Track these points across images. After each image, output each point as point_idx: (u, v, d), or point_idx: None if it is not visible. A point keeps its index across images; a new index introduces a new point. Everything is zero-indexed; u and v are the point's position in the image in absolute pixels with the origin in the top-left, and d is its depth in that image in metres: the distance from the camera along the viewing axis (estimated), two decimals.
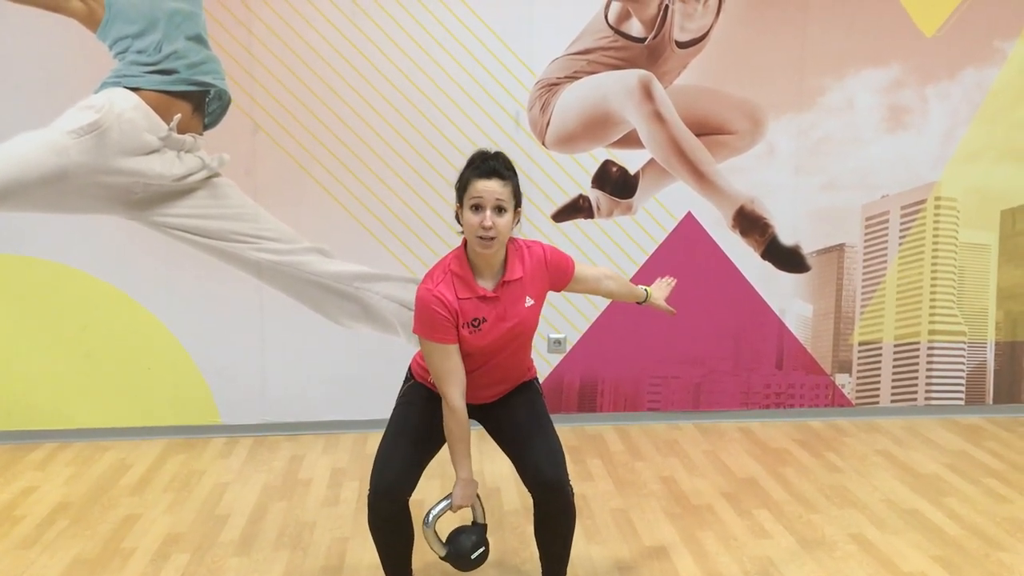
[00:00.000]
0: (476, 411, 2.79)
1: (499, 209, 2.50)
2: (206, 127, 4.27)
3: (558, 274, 2.77)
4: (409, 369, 2.92)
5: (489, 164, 2.53)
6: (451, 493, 2.68)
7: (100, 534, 3.42)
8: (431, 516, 2.64)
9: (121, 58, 4.16)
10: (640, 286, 3.10)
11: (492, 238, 2.50)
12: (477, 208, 2.50)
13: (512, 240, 2.66)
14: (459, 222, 2.60)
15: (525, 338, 2.75)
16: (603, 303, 4.57)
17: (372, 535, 2.71)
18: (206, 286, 4.37)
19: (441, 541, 2.67)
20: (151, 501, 3.73)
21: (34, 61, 4.15)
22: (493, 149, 2.61)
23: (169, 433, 4.48)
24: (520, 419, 2.76)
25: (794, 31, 4.44)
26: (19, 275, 4.29)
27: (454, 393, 2.59)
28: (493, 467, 4.00)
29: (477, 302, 2.59)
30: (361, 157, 4.35)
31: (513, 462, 2.74)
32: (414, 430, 2.71)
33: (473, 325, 2.59)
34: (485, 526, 2.75)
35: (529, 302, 2.66)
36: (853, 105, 4.54)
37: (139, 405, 4.44)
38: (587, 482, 3.89)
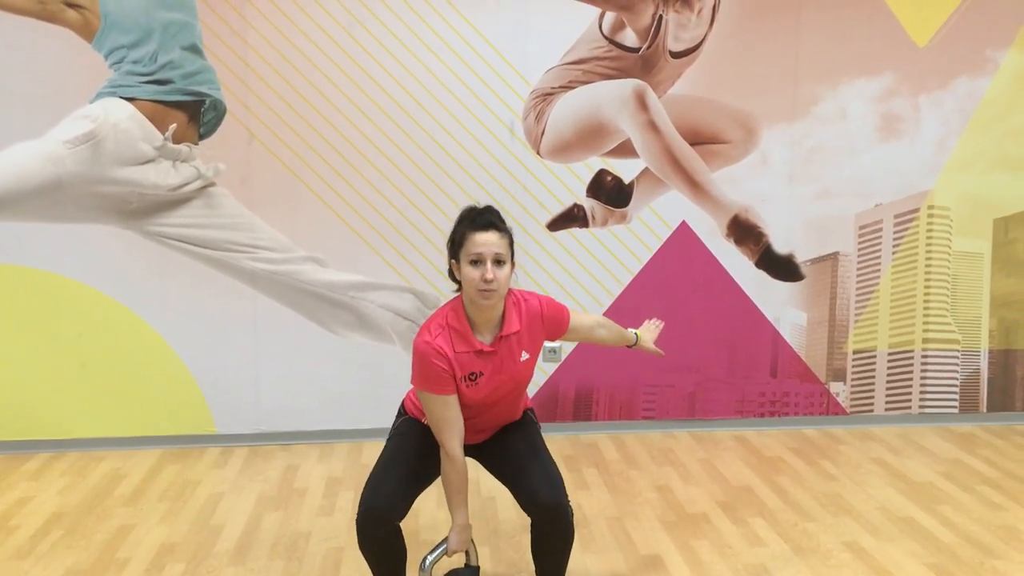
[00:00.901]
0: (471, 449, 2.80)
1: (498, 262, 2.52)
2: (201, 137, 4.28)
3: (553, 326, 2.79)
4: (402, 405, 2.92)
5: (485, 218, 2.55)
6: (447, 538, 2.71)
7: (95, 544, 3.41)
8: (427, 562, 2.69)
9: (117, 68, 4.17)
10: (629, 330, 3.15)
11: (493, 291, 2.52)
12: (476, 263, 2.51)
13: (509, 292, 2.66)
14: (453, 278, 2.63)
15: (520, 390, 2.79)
16: (596, 311, 4.57)
17: (363, 555, 2.69)
18: (201, 295, 4.37)
19: None
20: (146, 511, 3.72)
21: (29, 71, 4.15)
22: (482, 204, 2.64)
23: (164, 443, 4.47)
24: (515, 447, 2.76)
25: (787, 41, 4.46)
26: (14, 285, 4.28)
27: (453, 443, 2.61)
28: (488, 478, 3.99)
29: (474, 356, 2.60)
30: (356, 166, 4.36)
31: (510, 489, 2.73)
32: (407, 461, 2.71)
33: (470, 379, 2.61)
34: (478, 568, 2.83)
35: (525, 356, 2.68)
36: (846, 114, 4.56)
37: (134, 415, 4.44)
38: (582, 491, 3.89)
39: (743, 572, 3.17)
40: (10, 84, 4.15)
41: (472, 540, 2.79)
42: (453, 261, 2.60)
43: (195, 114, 4.25)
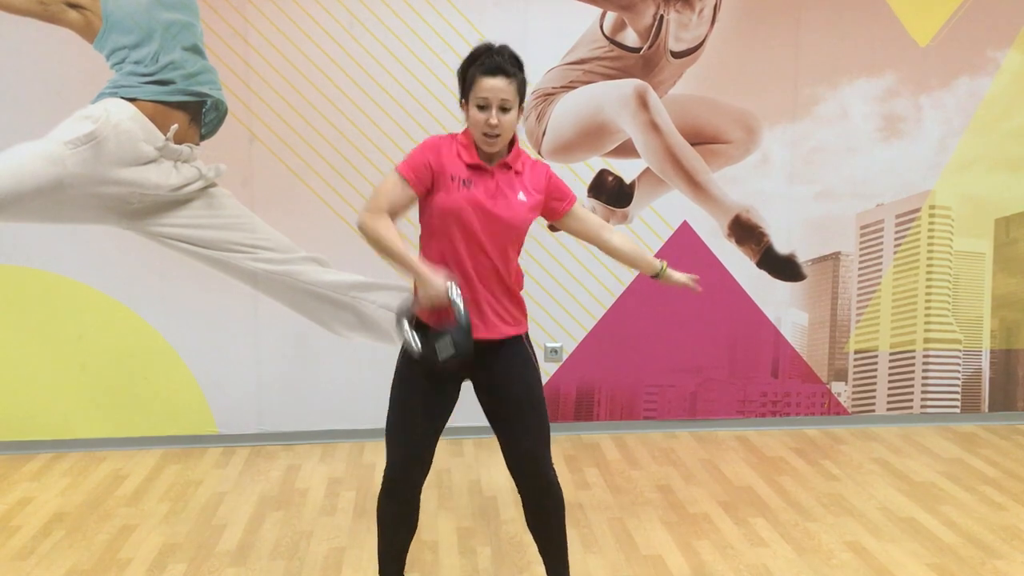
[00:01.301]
0: (472, 370, 2.67)
1: (504, 109, 2.50)
2: (203, 137, 4.28)
3: (556, 194, 2.69)
4: (406, 316, 2.71)
5: (495, 60, 2.50)
6: (415, 298, 2.60)
7: (96, 545, 3.42)
8: (402, 311, 2.57)
9: (118, 68, 4.17)
10: (657, 259, 2.91)
11: (497, 135, 2.52)
12: (482, 107, 2.50)
13: (520, 150, 2.64)
14: (465, 113, 2.58)
15: (513, 237, 2.62)
16: (598, 311, 4.57)
17: (379, 523, 2.68)
18: (202, 296, 4.37)
19: (414, 337, 2.54)
20: (147, 511, 3.72)
21: (31, 71, 4.16)
22: (498, 43, 2.56)
23: (165, 443, 4.47)
24: (514, 396, 2.68)
25: (788, 41, 4.46)
26: (15, 285, 4.29)
27: (378, 212, 2.53)
28: (490, 478, 4.00)
29: (472, 170, 2.56)
30: (357, 166, 4.36)
31: (500, 444, 2.71)
32: (422, 407, 2.64)
33: (464, 184, 2.55)
34: (468, 327, 2.53)
35: (522, 197, 2.60)
36: (847, 114, 4.56)
37: (135, 415, 4.44)
38: (584, 490, 3.89)
39: (744, 572, 3.17)
40: (11, 85, 4.15)
41: (459, 294, 2.53)
42: (462, 99, 2.58)
43: (196, 114, 4.25)
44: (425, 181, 2.56)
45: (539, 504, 2.72)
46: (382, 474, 2.67)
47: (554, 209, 2.71)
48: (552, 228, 4.30)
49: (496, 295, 2.64)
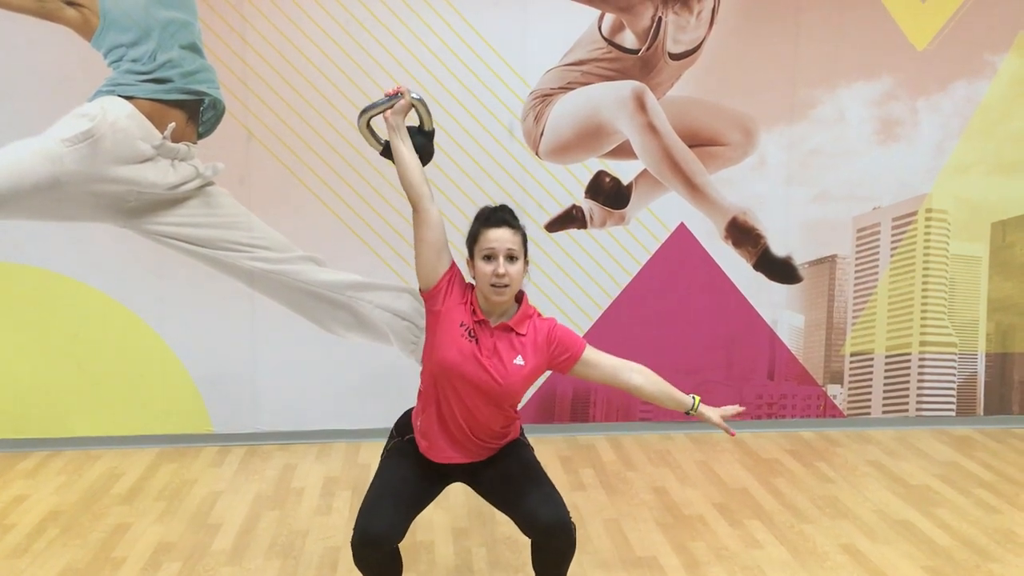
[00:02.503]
0: (465, 474, 2.75)
1: (511, 258, 2.56)
2: (200, 136, 4.27)
3: (559, 350, 2.66)
4: (397, 423, 2.86)
5: (498, 215, 2.62)
6: (392, 97, 2.68)
7: (91, 543, 3.41)
8: (365, 111, 2.64)
9: (115, 67, 4.16)
10: (688, 395, 2.79)
11: (505, 286, 2.56)
12: (489, 258, 2.57)
13: (526, 304, 2.68)
14: (471, 275, 2.66)
15: (504, 401, 2.64)
16: (595, 313, 4.58)
17: (359, 570, 2.64)
18: (199, 294, 4.37)
19: (375, 136, 2.64)
20: (142, 510, 3.72)
21: (28, 69, 4.15)
22: (497, 203, 2.69)
23: (161, 442, 4.46)
24: (509, 472, 2.70)
25: (786, 43, 4.47)
26: (11, 283, 4.28)
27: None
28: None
29: (476, 324, 2.62)
30: (355, 166, 4.36)
31: (510, 515, 2.68)
32: (404, 484, 2.66)
33: (466, 332, 2.60)
34: (432, 132, 2.70)
35: (520, 361, 2.62)
36: (844, 117, 4.57)
37: (131, 414, 4.43)
38: (579, 492, 3.90)
39: (740, 574, 3.17)
40: (9, 82, 4.15)
41: (423, 101, 2.71)
42: (468, 258, 2.65)
43: (194, 113, 4.25)
44: (442, 287, 2.63)
45: (558, 554, 2.66)
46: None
47: (560, 364, 2.70)
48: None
49: (485, 439, 2.71)
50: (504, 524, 3.53)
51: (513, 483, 2.68)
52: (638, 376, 2.76)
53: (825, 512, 3.70)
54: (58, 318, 4.33)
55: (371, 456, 4.31)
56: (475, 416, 2.65)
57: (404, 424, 2.84)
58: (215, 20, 4.20)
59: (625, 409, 4.68)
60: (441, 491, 2.80)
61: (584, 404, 4.66)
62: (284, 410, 4.51)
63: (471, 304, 2.63)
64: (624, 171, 4.50)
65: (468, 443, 2.69)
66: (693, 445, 4.51)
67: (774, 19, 4.44)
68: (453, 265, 2.67)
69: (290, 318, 4.43)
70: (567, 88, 4.41)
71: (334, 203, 4.38)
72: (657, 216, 4.55)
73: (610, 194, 4.51)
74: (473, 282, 2.67)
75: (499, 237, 2.57)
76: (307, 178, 4.36)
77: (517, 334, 2.64)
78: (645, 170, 4.50)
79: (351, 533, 2.56)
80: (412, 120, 2.74)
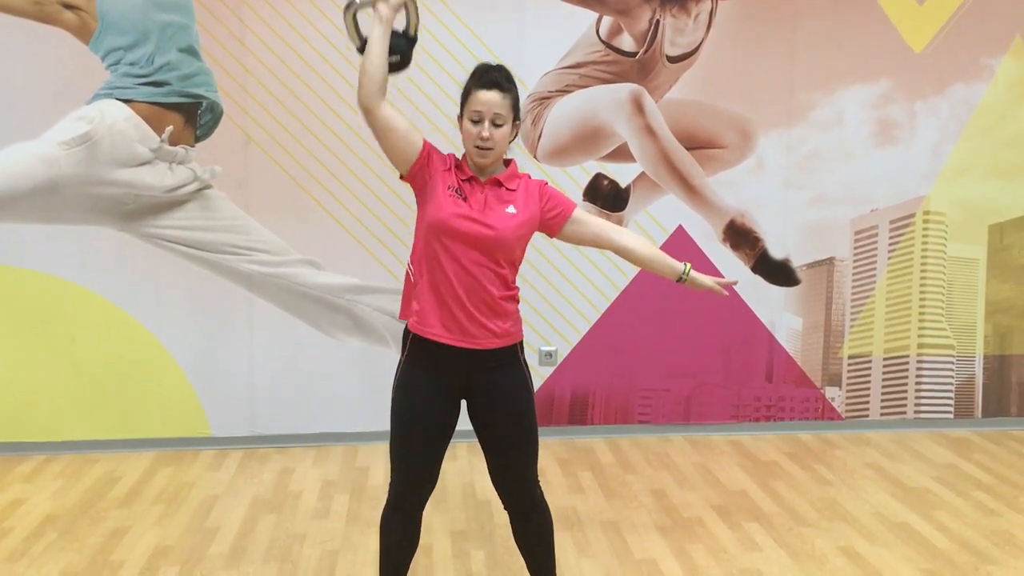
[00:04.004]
0: (466, 383, 2.64)
1: (496, 124, 2.54)
2: (198, 139, 4.27)
3: (551, 205, 2.64)
4: (406, 328, 2.71)
5: (491, 75, 2.57)
6: None
7: (88, 547, 3.40)
8: (352, 3, 2.56)
9: (113, 70, 4.16)
10: (680, 262, 2.78)
11: (489, 149, 2.54)
12: (476, 121, 2.55)
13: (514, 167, 2.66)
14: (461, 131, 2.61)
15: (499, 252, 2.57)
16: (593, 315, 4.57)
17: (381, 538, 2.67)
18: (197, 298, 4.37)
19: (359, 32, 2.58)
20: (140, 514, 3.71)
21: (26, 72, 4.15)
22: (496, 62, 2.64)
23: (158, 445, 4.46)
24: (502, 423, 2.66)
25: (784, 46, 4.47)
26: (9, 286, 4.27)
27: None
28: (484, 481, 3.99)
29: (465, 183, 2.59)
30: (353, 169, 4.36)
31: (485, 455, 2.72)
32: (425, 419, 2.61)
33: (455, 192, 2.56)
34: (414, 40, 2.64)
35: (512, 209, 2.58)
36: (842, 120, 4.57)
37: (128, 417, 4.42)
38: (578, 495, 3.89)
39: None
40: (6, 85, 4.14)
41: (415, 6, 2.63)
42: (459, 116, 2.62)
43: (192, 116, 4.24)
44: (424, 155, 2.60)
45: (526, 522, 2.73)
46: (388, 485, 2.65)
47: (551, 220, 2.66)
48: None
49: (482, 311, 2.58)
50: (503, 527, 3.53)
51: (504, 434, 2.66)
52: (629, 238, 2.74)
53: (823, 514, 3.70)
54: (56, 321, 4.32)
55: (369, 460, 4.31)
56: (472, 275, 2.55)
57: (405, 332, 2.70)
58: (213, 23, 4.20)
59: (624, 412, 4.68)
60: (456, 415, 2.67)
61: (582, 406, 4.66)
62: (282, 413, 4.51)
63: (456, 167, 2.61)
64: (622, 174, 4.50)
65: (466, 318, 2.58)
66: (691, 447, 4.51)
67: (772, 22, 4.45)
68: (425, 142, 2.63)
69: (288, 321, 4.43)
70: (565, 91, 4.41)
71: (332, 206, 4.38)
72: (655, 218, 4.55)
73: (608, 196, 4.52)
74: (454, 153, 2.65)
75: (488, 100, 2.54)
76: (305, 181, 4.36)
77: (507, 189, 2.61)
78: (643, 173, 4.50)
79: (388, 490, 2.62)
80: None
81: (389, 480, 2.64)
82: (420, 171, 2.60)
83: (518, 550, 2.79)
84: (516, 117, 2.60)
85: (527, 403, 2.72)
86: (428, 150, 2.62)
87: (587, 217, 2.71)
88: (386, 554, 2.71)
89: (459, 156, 2.66)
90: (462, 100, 2.61)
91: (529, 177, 2.69)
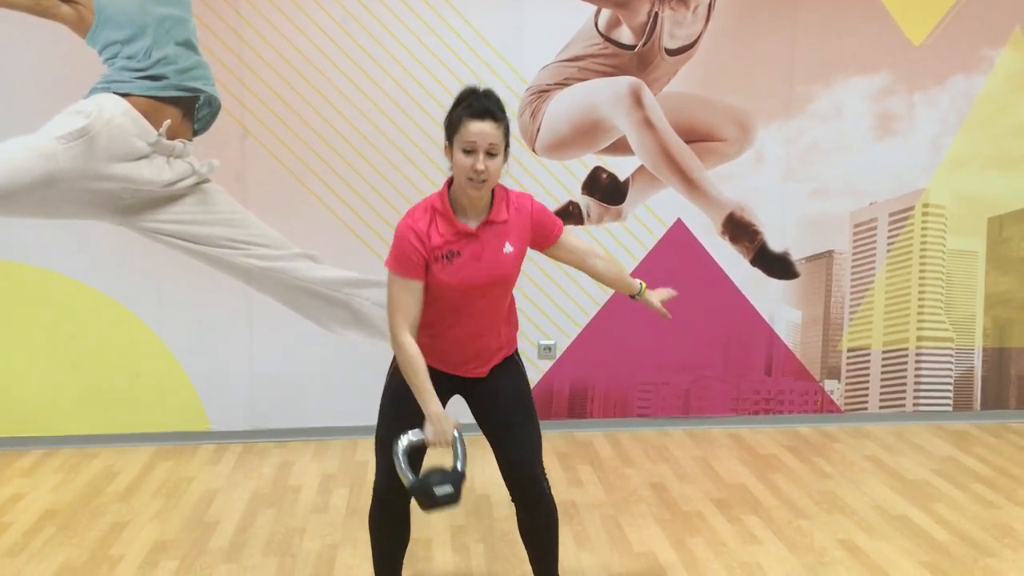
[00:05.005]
0: (461, 386, 2.70)
1: (491, 153, 2.46)
2: (196, 133, 4.26)
3: (542, 231, 2.67)
4: (404, 442, 2.78)
5: (482, 104, 2.46)
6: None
7: (88, 541, 3.41)
8: (400, 443, 2.51)
9: (111, 63, 4.15)
10: (636, 280, 2.93)
11: (483, 181, 2.46)
12: (469, 151, 2.45)
13: (501, 187, 2.61)
14: (448, 159, 2.54)
15: (502, 289, 2.62)
16: (592, 309, 4.57)
17: (371, 533, 2.70)
18: (195, 292, 4.36)
19: (410, 469, 2.52)
20: (139, 508, 3.72)
21: (23, 66, 4.14)
22: (483, 87, 2.54)
23: (157, 440, 4.46)
24: (503, 407, 2.69)
25: (783, 38, 4.46)
26: (7, 281, 4.27)
27: (402, 327, 2.51)
28: (483, 475, 3.99)
29: (454, 238, 2.52)
30: (351, 163, 4.35)
31: (492, 448, 2.73)
32: (415, 416, 2.60)
33: (446, 258, 2.51)
34: (463, 474, 2.55)
35: (508, 248, 2.57)
36: (842, 112, 4.56)
37: (127, 411, 4.42)
38: (577, 488, 3.89)
39: (737, 570, 3.17)
40: (4, 79, 4.13)
41: (462, 440, 2.54)
42: (447, 143, 2.53)
43: (189, 110, 4.24)
44: (420, 268, 2.52)
45: (532, 514, 2.73)
46: (372, 485, 2.67)
47: (539, 244, 2.71)
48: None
49: (489, 337, 2.66)
50: (502, 520, 3.53)
51: (505, 419, 2.68)
52: (601, 262, 2.85)
53: (823, 507, 3.70)
54: (54, 316, 4.32)
55: (368, 453, 4.30)
56: (476, 320, 2.60)
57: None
58: (210, 16, 4.19)
59: (623, 405, 4.68)
60: (444, 403, 2.66)
61: (581, 400, 4.66)
62: (281, 407, 4.51)
63: (437, 220, 2.51)
64: (621, 167, 4.50)
65: (464, 352, 2.64)
66: (691, 441, 4.51)
67: (770, 14, 4.44)
68: (415, 265, 2.51)
69: (287, 315, 4.43)
70: (563, 84, 4.40)
71: (330, 200, 4.37)
72: (654, 212, 4.55)
73: (607, 190, 4.51)
74: (430, 197, 2.58)
75: (481, 131, 2.43)
76: (303, 175, 4.35)
77: (500, 223, 2.57)
78: (642, 166, 4.50)
79: (373, 491, 2.63)
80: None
81: (374, 480, 2.65)
82: (422, 267, 2.53)
83: (520, 543, 2.81)
84: (507, 145, 2.53)
85: (526, 388, 2.76)
86: (410, 261, 2.50)
87: (570, 242, 2.77)
88: (378, 550, 2.73)
89: (434, 201, 2.54)
90: (450, 128, 2.49)
91: (513, 196, 2.63)
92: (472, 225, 2.54)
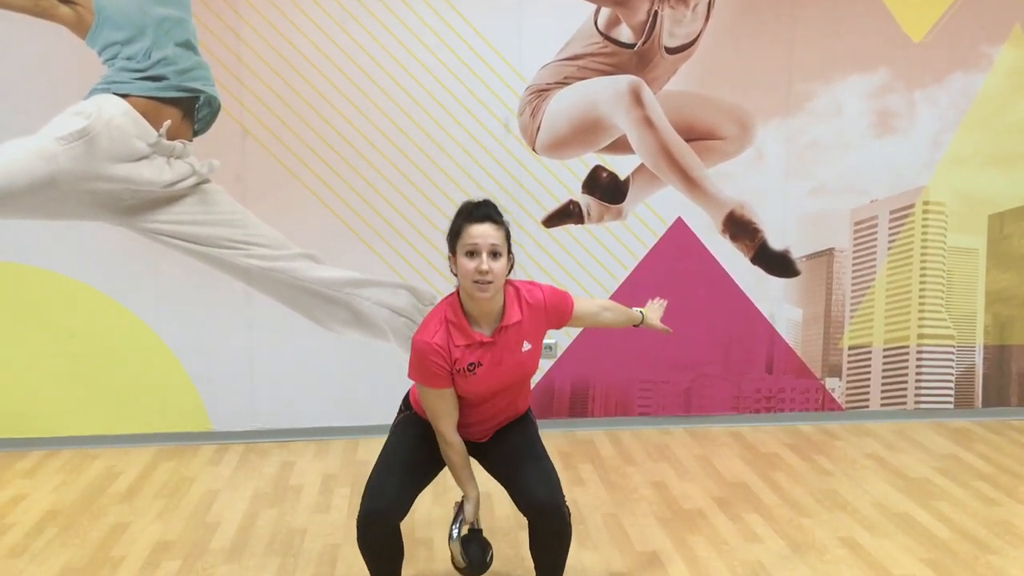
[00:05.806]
0: (470, 447, 2.78)
1: (495, 254, 2.51)
2: (196, 133, 4.26)
3: (556, 316, 2.77)
4: (406, 398, 2.91)
5: (482, 210, 2.56)
6: (462, 507, 2.76)
7: (90, 542, 3.41)
8: (455, 533, 2.73)
9: (110, 64, 4.15)
10: (635, 309, 3.13)
11: (489, 283, 2.50)
12: (472, 254, 2.50)
13: (508, 283, 2.65)
14: (453, 272, 2.62)
15: (523, 381, 2.77)
16: None
17: (361, 553, 2.69)
18: (196, 292, 4.36)
19: (464, 555, 2.74)
20: (141, 509, 3.72)
21: (23, 67, 4.14)
22: (480, 198, 2.65)
23: (159, 440, 4.46)
24: (513, 447, 2.76)
25: (782, 36, 4.46)
26: (7, 282, 4.27)
27: (448, 429, 2.66)
28: (482, 474, 3.99)
29: (473, 348, 2.59)
30: (351, 163, 4.35)
31: (506, 488, 2.74)
32: (407, 461, 2.71)
33: (468, 370, 2.59)
34: (481, 530, 2.85)
35: (527, 347, 2.66)
36: (841, 110, 4.56)
37: (128, 412, 4.43)
38: (578, 487, 3.89)
39: (739, 568, 3.17)
40: (3, 81, 4.13)
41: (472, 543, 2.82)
42: (451, 254, 2.60)
43: (189, 110, 4.24)
44: (448, 378, 2.61)
45: (553, 537, 2.70)
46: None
47: (557, 323, 2.81)
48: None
49: (505, 414, 2.80)
50: (502, 519, 3.53)
51: (515, 459, 2.73)
52: (609, 314, 3.03)
53: (824, 505, 3.70)
54: (55, 317, 4.32)
55: (370, 453, 4.30)
56: (493, 405, 2.74)
57: (406, 401, 2.91)
58: (210, 17, 4.19)
59: (624, 404, 4.68)
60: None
61: (582, 399, 4.66)
62: (282, 407, 4.51)
63: (453, 333, 2.58)
64: (621, 166, 4.49)
65: (481, 426, 2.79)
66: (692, 439, 4.51)
67: (770, 12, 4.43)
68: (442, 379, 2.60)
69: (287, 315, 4.43)
70: (563, 83, 4.40)
71: (331, 200, 4.37)
72: (654, 210, 4.55)
73: (607, 189, 4.51)
74: (441, 309, 2.67)
75: (482, 233, 2.51)
76: (303, 175, 4.35)
77: (514, 325, 2.64)
78: (642, 164, 4.49)
79: (357, 513, 2.64)
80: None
81: (359, 512, 2.64)
82: (450, 376, 2.62)
83: (520, 542, 2.81)
84: (510, 250, 2.59)
85: (534, 432, 2.86)
86: (439, 376, 2.59)
87: (582, 311, 2.86)
88: (372, 564, 2.71)
89: (447, 314, 2.61)
90: (452, 238, 2.58)
91: (524, 291, 2.68)
92: (487, 333, 2.60)
